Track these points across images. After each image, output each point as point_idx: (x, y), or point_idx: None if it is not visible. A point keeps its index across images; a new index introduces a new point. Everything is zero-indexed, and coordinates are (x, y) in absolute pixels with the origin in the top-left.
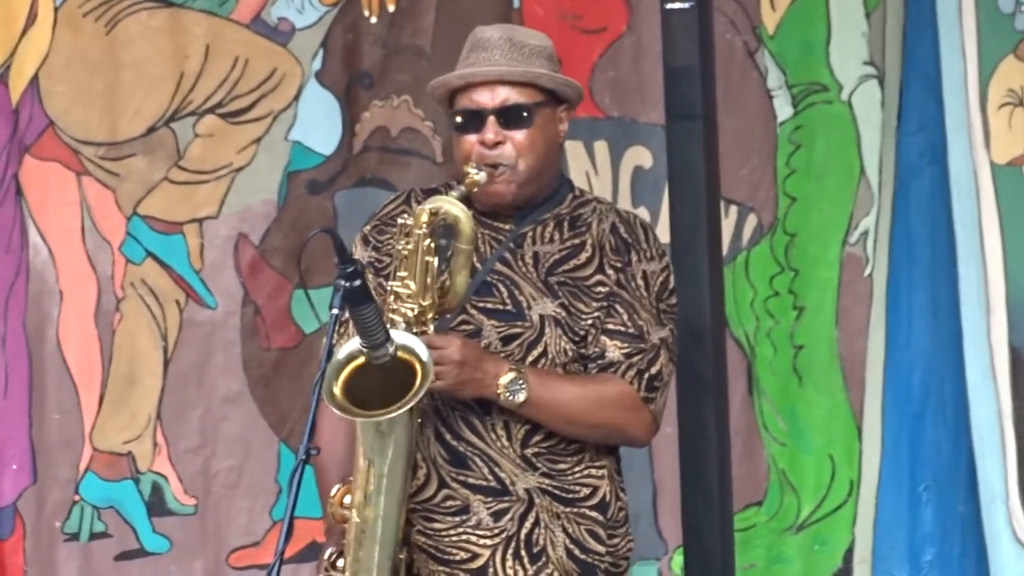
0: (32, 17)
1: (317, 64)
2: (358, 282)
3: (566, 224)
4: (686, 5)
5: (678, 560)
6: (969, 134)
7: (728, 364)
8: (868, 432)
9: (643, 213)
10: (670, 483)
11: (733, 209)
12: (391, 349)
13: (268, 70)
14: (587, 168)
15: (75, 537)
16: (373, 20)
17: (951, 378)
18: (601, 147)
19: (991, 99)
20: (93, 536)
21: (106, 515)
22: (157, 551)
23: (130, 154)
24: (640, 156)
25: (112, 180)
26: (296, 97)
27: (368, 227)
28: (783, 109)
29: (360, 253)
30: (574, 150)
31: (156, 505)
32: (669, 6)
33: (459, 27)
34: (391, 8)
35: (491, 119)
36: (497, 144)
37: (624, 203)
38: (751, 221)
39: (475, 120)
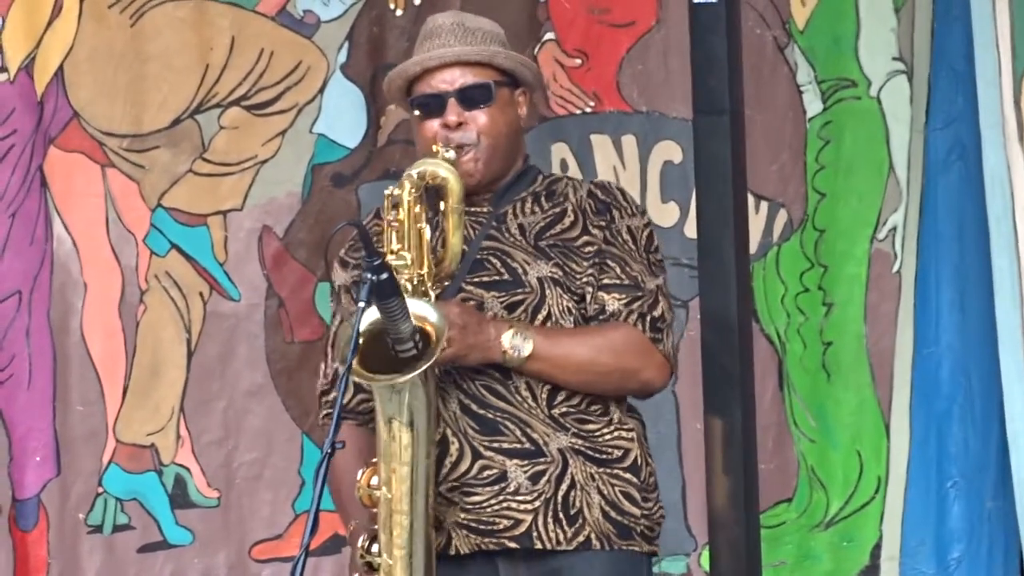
0: (57, 9)
1: (342, 57)
2: (385, 275)
3: (543, 197)
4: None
5: (707, 556)
6: (1003, 129)
7: (759, 360)
8: (896, 428)
9: (672, 208)
10: (699, 478)
11: (764, 205)
12: (418, 340)
13: (293, 62)
14: (615, 163)
15: (98, 529)
16: (399, 13)
17: (979, 374)
18: (629, 142)
19: None
20: (116, 528)
21: (129, 507)
22: (180, 543)
23: (154, 146)
24: (669, 151)
25: (136, 172)
26: (321, 90)
27: (343, 250)
28: (812, 104)
29: (340, 276)
30: (602, 144)
31: (179, 497)
32: (697, 0)
33: None
34: (416, 1)
35: (452, 101)
36: (460, 125)
37: (653, 198)
38: (781, 217)
39: (436, 104)
